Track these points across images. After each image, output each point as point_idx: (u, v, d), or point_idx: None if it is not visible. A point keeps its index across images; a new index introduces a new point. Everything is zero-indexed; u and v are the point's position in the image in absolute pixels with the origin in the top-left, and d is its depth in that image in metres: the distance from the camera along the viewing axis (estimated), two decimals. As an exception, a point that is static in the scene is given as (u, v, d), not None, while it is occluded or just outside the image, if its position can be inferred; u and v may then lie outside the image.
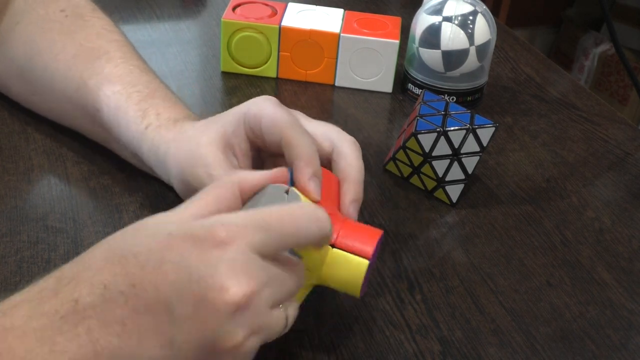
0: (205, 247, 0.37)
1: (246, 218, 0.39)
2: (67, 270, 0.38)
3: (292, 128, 0.48)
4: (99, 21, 0.63)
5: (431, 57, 0.74)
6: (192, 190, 0.48)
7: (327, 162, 0.50)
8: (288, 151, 0.47)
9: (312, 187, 0.46)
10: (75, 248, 0.54)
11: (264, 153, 0.53)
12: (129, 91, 0.57)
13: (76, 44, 0.61)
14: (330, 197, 0.48)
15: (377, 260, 0.56)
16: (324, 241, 0.42)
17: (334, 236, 0.45)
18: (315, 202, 0.46)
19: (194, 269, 0.36)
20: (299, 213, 0.40)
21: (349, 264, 0.45)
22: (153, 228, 0.39)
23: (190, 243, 0.37)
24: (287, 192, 0.45)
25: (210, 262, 0.37)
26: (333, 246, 0.45)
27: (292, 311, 0.41)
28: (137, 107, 0.55)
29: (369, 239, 0.45)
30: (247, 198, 0.44)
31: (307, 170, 0.46)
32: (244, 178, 0.44)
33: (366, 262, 0.45)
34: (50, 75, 0.61)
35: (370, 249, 0.45)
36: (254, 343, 0.38)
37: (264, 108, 0.49)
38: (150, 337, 0.36)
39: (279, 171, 0.45)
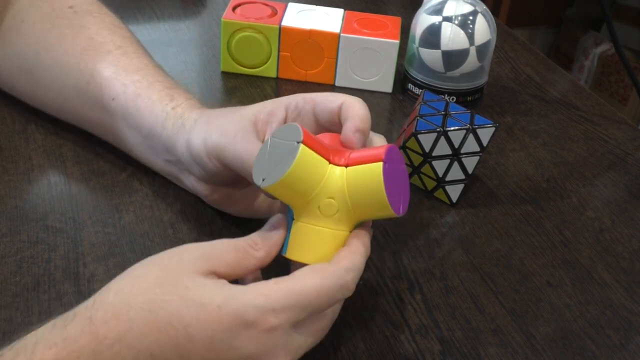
0: (256, 331, 0.39)
1: (288, 299, 0.40)
2: (104, 326, 0.37)
3: (351, 97, 0.50)
4: (108, 17, 0.64)
5: (431, 57, 0.74)
6: (213, 159, 0.50)
7: (337, 118, 0.50)
8: (345, 112, 0.48)
9: (356, 138, 0.47)
10: (75, 248, 0.54)
11: None
12: (150, 80, 0.58)
13: (86, 38, 0.61)
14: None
15: (378, 260, 0.56)
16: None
17: (345, 162, 0.45)
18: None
19: (244, 349, 0.39)
20: (331, 284, 0.42)
21: (365, 174, 0.44)
22: (197, 293, 0.39)
23: (242, 324, 0.39)
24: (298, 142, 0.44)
25: (259, 344, 0.39)
26: (346, 167, 0.45)
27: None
28: (162, 93, 0.57)
29: (378, 149, 0.45)
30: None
31: (357, 123, 0.47)
32: (267, 254, 0.44)
33: (379, 164, 0.43)
34: (60, 69, 0.61)
35: (381, 152, 0.44)
36: None
37: (314, 93, 0.51)
38: None
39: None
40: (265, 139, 0.46)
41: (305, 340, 0.42)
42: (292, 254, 0.45)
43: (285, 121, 0.51)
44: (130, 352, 0.36)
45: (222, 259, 0.42)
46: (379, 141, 0.50)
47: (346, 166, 0.45)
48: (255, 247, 0.44)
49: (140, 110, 0.57)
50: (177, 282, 0.39)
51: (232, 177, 0.52)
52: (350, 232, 0.46)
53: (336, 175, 0.44)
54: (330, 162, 0.44)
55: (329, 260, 0.44)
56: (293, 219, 0.45)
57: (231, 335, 0.38)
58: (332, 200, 0.44)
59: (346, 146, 0.47)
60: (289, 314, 0.40)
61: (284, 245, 0.46)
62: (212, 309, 0.38)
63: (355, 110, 0.48)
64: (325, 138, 0.48)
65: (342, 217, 0.45)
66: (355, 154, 0.45)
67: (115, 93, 0.58)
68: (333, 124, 0.50)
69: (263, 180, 0.43)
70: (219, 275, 0.41)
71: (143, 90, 0.57)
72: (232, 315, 0.38)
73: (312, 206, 0.44)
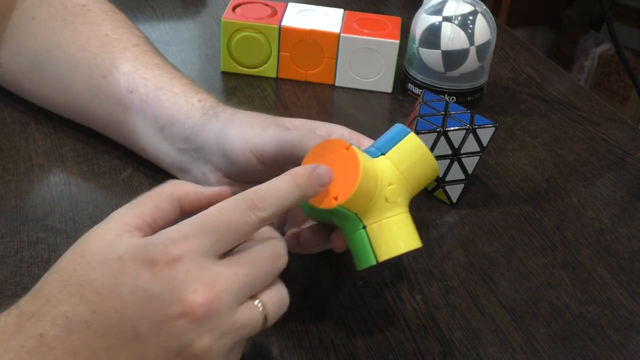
0: (159, 266, 0.38)
1: (191, 227, 0.39)
2: (26, 306, 0.38)
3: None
4: (121, 16, 0.65)
5: (431, 57, 0.74)
6: (247, 152, 0.51)
7: None
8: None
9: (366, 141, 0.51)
10: (75, 248, 0.54)
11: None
12: (171, 75, 0.59)
13: (102, 35, 0.62)
14: None
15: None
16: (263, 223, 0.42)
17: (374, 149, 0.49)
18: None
19: (150, 288, 0.37)
20: (234, 204, 0.40)
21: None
22: (101, 253, 0.39)
23: (143, 264, 0.38)
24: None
25: (165, 279, 0.37)
26: (383, 154, 0.48)
27: (270, 302, 0.41)
28: (185, 88, 0.58)
29: (397, 128, 0.50)
30: (186, 212, 0.44)
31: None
32: (186, 193, 0.44)
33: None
34: (72, 65, 0.61)
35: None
36: (224, 344, 0.39)
37: (362, 137, 0.54)
38: (120, 354, 0.37)
39: (222, 190, 0.45)
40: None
41: (232, 272, 0.39)
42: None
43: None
44: (47, 319, 0.37)
45: (144, 208, 0.41)
46: (362, 138, 0.52)
47: (383, 154, 0.48)
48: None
49: (162, 101, 0.57)
50: (86, 251, 0.39)
51: (256, 171, 0.52)
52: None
53: (383, 165, 0.47)
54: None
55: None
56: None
57: (134, 278, 0.37)
58: (393, 185, 0.47)
59: None
60: (192, 241, 0.38)
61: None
62: (114, 260, 0.38)
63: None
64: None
65: (404, 196, 0.48)
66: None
67: (134, 86, 0.58)
68: None
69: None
70: (145, 227, 0.41)
71: (165, 83, 0.58)
72: (133, 259, 0.38)
73: (380, 201, 0.46)
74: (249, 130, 0.52)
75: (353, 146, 0.45)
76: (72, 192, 0.59)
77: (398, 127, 0.49)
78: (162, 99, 0.57)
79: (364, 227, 0.46)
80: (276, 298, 0.41)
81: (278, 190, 0.42)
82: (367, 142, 0.53)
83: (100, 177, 0.61)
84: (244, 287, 0.39)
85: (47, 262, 0.52)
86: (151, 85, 0.58)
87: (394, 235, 0.46)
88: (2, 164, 0.61)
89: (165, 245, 0.38)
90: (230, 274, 0.39)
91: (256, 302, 0.40)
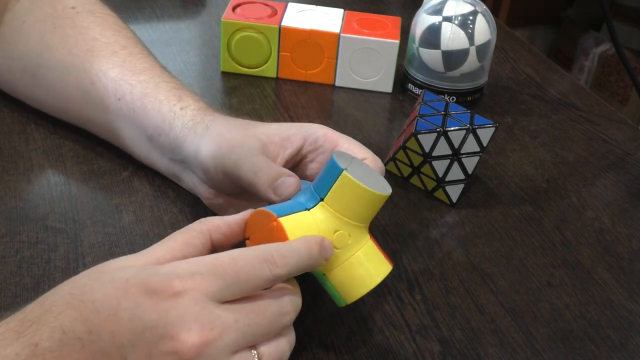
0: (160, 298, 0.37)
1: (200, 266, 0.39)
2: (30, 312, 0.38)
3: (373, 156, 0.52)
4: (111, 18, 0.64)
5: (431, 57, 0.74)
6: (219, 171, 0.51)
7: None
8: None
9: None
10: (75, 248, 0.54)
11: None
12: (157, 80, 0.58)
13: (90, 39, 0.61)
14: None
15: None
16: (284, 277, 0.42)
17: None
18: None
19: (147, 318, 0.37)
20: (251, 255, 0.40)
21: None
22: (113, 273, 0.39)
23: (145, 292, 0.38)
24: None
25: (162, 312, 0.37)
26: (322, 200, 0.45)
27: (267, 353, 0.40)
28: (169, 93, 0.57)
29: (328, 166, 0.46)
30: (218, 245, 0.44)
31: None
32: (216, 226, 0.44)
33: (390, 266, 0.47)
34: (64, 70, 0.61)
35: (335, 166, 0.45)
36: None
37: (340, 135, 0.53)
38: None
39: (245, 215, 0.46)
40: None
41: (233, 318, 0.38)
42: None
43: (299, 151, 0.52)
44: (44, 330, 0.37)
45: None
46: (369, 154, 0.51)
47: (321, 199, 0.45)
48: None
49: (147, 110, 0.57)
50: (103, 270, 0.40)
51: (234, 188, 0.52)
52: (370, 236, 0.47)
53: (322, 214, 0.45)
54: (307, 209, 0.45)
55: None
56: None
57: (135, 304, 0.37)
58: (339, 231, 0.45)
59: None
60: (198, 279, 0.38)
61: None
62: (120, 282, 0.38)
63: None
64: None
65: (355, 233, 0.46)
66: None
67: (121, 93, 0.58)
68: None
69: (346, 168, 0.44)
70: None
71: (150, 90, 0.58)
72: (137, 285, 0.38)
73: (342, 229, 0.45)
74: (219, 150, 0.51)
75: (280, 218, 0.44)
76: (72, 192, 0.59)
77: (331, 164, 0.45)
78: (148, 107, 0.57)
79: (325, 275, 0.46)
80: (275, 352, 0.40)
81: (297, 252, 0.42)
82: (345, 141, 0.52)
83: (100, 177, 0.61)
84: (242, 337, 0.39)
85: (47, 262, 0.52)
86: (137, 92, 0.58)
87: (356, 275, 0.46)
88: (2, 164, 0.61)
89: (170, 278, 0.38)
90: (231, 320, 0.38)
91: (252, 352, 0.40)
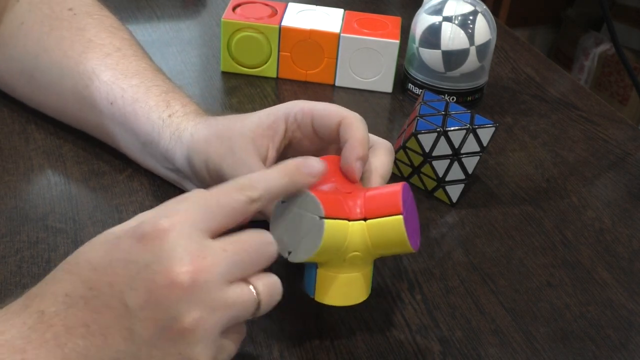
0: (149, 239, 0.38)
1: (184, 202, 0.41)
2: (35, 288, 0.40)
3: (350, 113, 0.51)
4: (108, 19, 0.64)
5: (431, 57, 0.74)
6: (212, 175, 0.51)
7: (336, 134, 0.51)
8: (344, 132, 0.49)
9: (357, 166, 0.48)
10: (75, 248, 0.53)
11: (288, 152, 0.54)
12: (147, 85, 0.58)
13: (85, 41, 0.61)
14: (344, 179, 0.49)
15: (378, 260, 0.56)
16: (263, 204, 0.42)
17: (361, 210, 0.46)
18: (354, 182, 0.48)
19: (140, 260, 0.38)
20: (228, 185, 0.42)
21: (387, 227, 0.45)
22: (105, 235, 0.41)
23: (135, 239, 0.39)
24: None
25: (154, 250, 0.38)
26: (365, 220, 0.45)
27: (262, 286, 0.41)
28: (159, 99, 0.57)
29: (392, 196, 0.46)
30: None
31: (358, 150, 0.48)
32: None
33: (400, 217, 0.45)
34: (59, 72, 0.61)
35: (398, 201, 0.45)
36: (215, 321, 0.38)
37: (313, 103, 0.52)
38: (113, 332, 0.38)
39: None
40: (275, 203, 0.45)
41: (220, 247, 0.39)
42: (322, 298, 0.47)
43: (285, 134, 0.52)
44: (48, 297, 0.39)
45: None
46: (354, 118, 0.50)
47: (365, 219, 0.45)
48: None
49: (138, 116, 0.57)
50: (97, 238, 0.41)
51: None
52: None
53: (357, 231, 0.45)
54: (349, 220, 0.45)
55: (364, 295, 0.47)
56: (317, 266, 0.46)
57: (127, 252, 0.38)
58: (357, 253, 0.45)
59: (347, 175, 0.48)
60: (182, 214, 0.39)
61: (309, 286, 0.47)
62: (112, 239, 0.40)
63: (354, 132, 0.49)
64: (327, 161, 0.47)
65: (366, 260, 0.47)
66: (371, 203, 0.46)
67: (113, 97, 0.58)
68: (332, 139, 0.51)
69: (289, 253, 0.44)
70: None
71: (141, 95, 0.57)
72: (127, 236, 0.39)
73: (339, 260, 0.45)
74: (210, 159, 0.52)
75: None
76: (72, 192, 0.59)
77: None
78: (139, 114, 0.57)
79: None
80: (269, 285, 0.41)
81: (266, 175, 0.43)
82: (319, 108, 0.51)
83: (100, 177, 0.61)
84: (233, 265, 0.39)
85: (47, 262, 0.52)
86: (128, 97, 0.58)
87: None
88: (2, 164, 0.61)
89: (156, 219, 0.39)
90: (219, 250, 0.39)
91: (249, 285, 0.40)
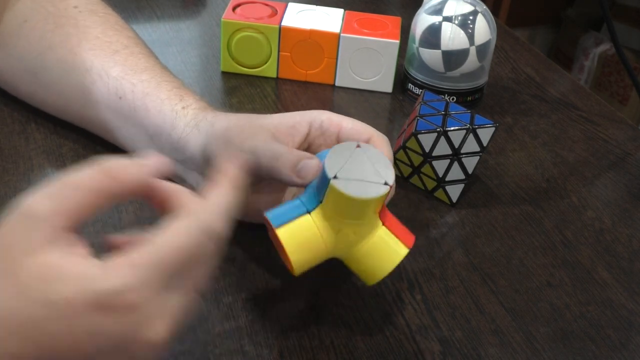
0: (115, 312, 0.35)
1: (145, 270, 0.36)
2: None
3: (377, 133, 0.52)
4: (113, 17, 0.64)
5: (431, 57, 0.74)
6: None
7: None
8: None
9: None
10: (75, 248, 0.54)
11: None
12: (158, 80, 0.58)
13: (92, 38, 0.61)
14: None
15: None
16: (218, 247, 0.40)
17: (383, 220, 0.48)
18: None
19: (110, 333, 0.35)
20: (188, 239, 0.38)
21: (388, 251, 0.47)
22: (40, 288, 0.34)
23: (98, 309, 0.34)
24: (358, 146, 0.46)
25: (123, 325, 0.35)
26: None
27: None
28: (171, 93, 0.57)
29: (409, 233, 0.49)
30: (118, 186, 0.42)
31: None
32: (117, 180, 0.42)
33: (406, 250, 0.48)
34: (64, 69, 0.61)
35: (411, 240, 0.48)
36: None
37: (341, 116, 0.53)
38: None
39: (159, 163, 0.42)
40: (355, 146, 0.46)
41: (183, 293, 0.37)
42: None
43: (306, 138, 0.53)
44: None
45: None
46: (380, 143, 0.51)
47: (320, 202, 0.46)
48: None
49: (149, 109, 0.57)
50: (20, 282, 0.34)
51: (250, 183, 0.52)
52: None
53: (375, 225, 0.47)
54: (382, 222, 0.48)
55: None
56: (308, 210, 0.46)
57: (89, 322, 0.34)
58: (341, 231, 0.46)
59: None
60: (150, 286, 0.36)
61: (277, 218, 0.46)
62: (60, 303, 0.34)
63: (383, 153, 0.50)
64: None
65: (359, 231, 0.47)
66: (392, 220, 0.48)
67: (122, 92, 0.58)
68: None
69: (335, 177, 0.44)
70: (75, 220, 0.38)
71: (152, 89, 0.58)
72: (84, 304, 0.34)
73: (344, 229, 0.46)
74: (230, 144, 0.51)
75: (278, 229, 0.45)
76: (72, 192, 0.59)
77: (323, 172, 0.45)
78: (149, 107, 0.57)
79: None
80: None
81: (225, 199, 0.40)
82: (348, 122, 0.52)
83: (100, 177, 0.61)
84: (194, 295, 0.39)
85: (47, 262, 0.52)
86: (138, 92, 0.58)
87: (367, 267, 0.48)
88: (2, 164, 0.61)
89: (120, 294, 0.35)
90: (183, 299, 0.38)
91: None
